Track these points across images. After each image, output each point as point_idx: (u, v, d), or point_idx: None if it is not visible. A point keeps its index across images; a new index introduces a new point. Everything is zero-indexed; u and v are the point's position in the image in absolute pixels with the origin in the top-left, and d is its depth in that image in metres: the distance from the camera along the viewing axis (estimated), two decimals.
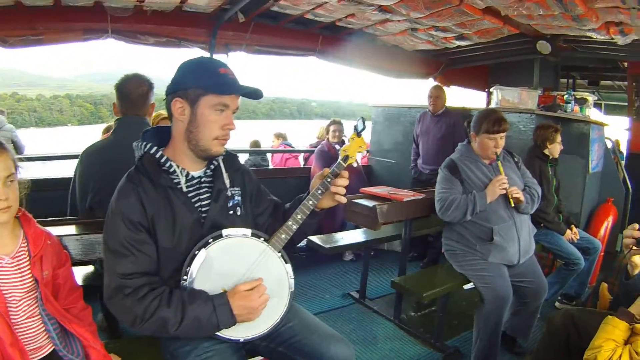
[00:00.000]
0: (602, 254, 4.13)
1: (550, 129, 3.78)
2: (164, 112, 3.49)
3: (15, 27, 3.57)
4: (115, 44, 4.16)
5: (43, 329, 1.57)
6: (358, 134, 1.75)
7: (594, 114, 5.43)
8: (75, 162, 2.64)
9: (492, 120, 2.92)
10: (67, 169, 3.60)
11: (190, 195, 1.63)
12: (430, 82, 6.29)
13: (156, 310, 1.47)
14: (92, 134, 4.14)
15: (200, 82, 1.55)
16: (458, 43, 4.90)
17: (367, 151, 6.25)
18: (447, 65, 6.44)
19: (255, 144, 7.10)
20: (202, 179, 1.68)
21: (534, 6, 3.51)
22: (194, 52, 4.44)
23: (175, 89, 1.58)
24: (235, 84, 1.59)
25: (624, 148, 6.83)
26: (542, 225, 3.63)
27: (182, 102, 1.57)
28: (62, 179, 3.51)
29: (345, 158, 1.72)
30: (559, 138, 3.79)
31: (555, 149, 3.79)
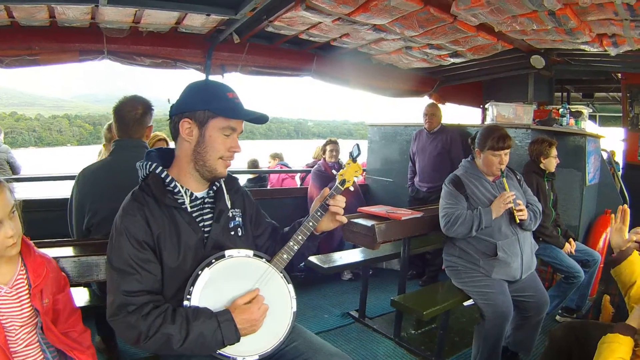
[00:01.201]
0: (602, 265, 4.12)
1: (545, 143, 3.79)
2: (160, 134, 3.49)
3: (11, 47, 3.58)
4: (111, 65, 4.17)
5: (42, 357, 1.56)
6: (354, 159, 1.81)
7: (589, 126, 5.45)
8: (72, 182, 2.62)
9: (496, 137, 2.96)
10: (65, 190, 3.61)
11: (194, 215, 1.66)
12: (426, 100, 6.30)
13: (160, 327, 1.47)
14: (92, 154, 4.15)
15: (210, 105, 1.59)
16: (452, 60, 4.92)
17: (364, 170, 6.21)
18: (441, 83, 6.46)
19: (253, 163, 7.07)
20: (205, 200, 1.71)
21: (527, 21, 3.53)
22: (190, 73, 4.47)
23: (182, 110, 1.62)
24: (243, 109, 1.64)
25: (619, 159, 6.86)
26: (540, 239, 3.62)
27: (191, 123, 1.61)
28: (59, 199, 3.51)
29: (343, 182, 1.78)
30: (554, 152, 3.80)
31: (550, 163, 3.80)
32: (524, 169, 3.84)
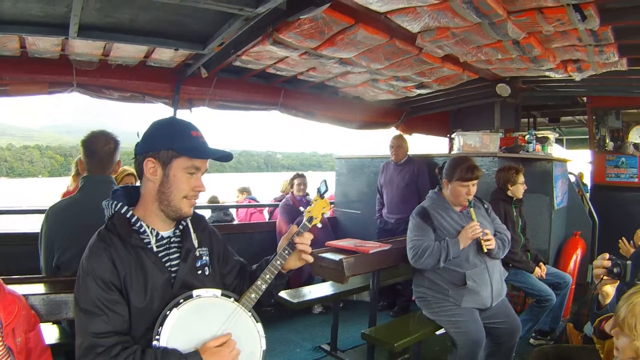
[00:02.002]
0: (574, 286, 4.19)
1: (511, 170, 3.85)
2: (129, 168, 3.47)
3: None
4: (80, 96, 4.12)
5: None
6: (321, 195, 1.81)
7: (556, 150, 5.57)
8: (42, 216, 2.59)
9: (465, 167, 3.00)
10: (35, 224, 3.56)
11: (160, 255, 1.62)
12: (395, 131, 6.37)
13: None
14: (63, 187, 4.10)
15: (173, 145, 1.58)
16: (418, 91, 4.99)
17: (332, 203, 6.19)
18: (408, 114, 6.53)
19: (214, 199, 7.03)
20: (172, 239, 1.68)
21: (492, 51, 3.59)
22: (158, 107, 4.45)
23: (146, 149, 1.60)
24: (207, 148, 1.63)
25: (587, 180, 7.01)
26: (510, 265, 3.65)
27: (154, 162, 1.59)
28: (28, 233, 3.44)
29: (310, 219, 1.78)
30: (521, 179, 3.86)
31: (517, 189, 3.86)
32: (491, 196, 3.88)
